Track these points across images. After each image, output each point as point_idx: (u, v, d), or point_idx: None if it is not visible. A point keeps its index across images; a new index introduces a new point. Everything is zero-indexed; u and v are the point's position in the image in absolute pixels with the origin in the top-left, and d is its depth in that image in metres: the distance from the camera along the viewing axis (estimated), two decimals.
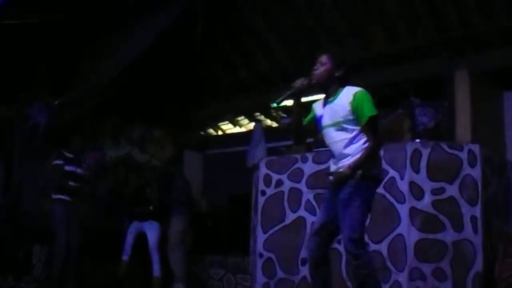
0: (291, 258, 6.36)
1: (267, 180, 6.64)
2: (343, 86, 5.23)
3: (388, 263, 5.73)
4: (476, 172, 5.83)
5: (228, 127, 13.86)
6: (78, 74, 10.96)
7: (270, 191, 6.60)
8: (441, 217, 5.71)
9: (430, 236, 5.68)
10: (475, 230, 5.72)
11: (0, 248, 9.26)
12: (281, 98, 5.43)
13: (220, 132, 14.11)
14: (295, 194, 6.45)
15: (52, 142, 10.03)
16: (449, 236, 5.70)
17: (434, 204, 5.73)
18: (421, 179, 5.77)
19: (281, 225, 6.49)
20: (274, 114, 12.82)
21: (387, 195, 5.83)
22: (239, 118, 13.56)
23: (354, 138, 5.08)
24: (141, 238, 10.27)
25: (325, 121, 5.21)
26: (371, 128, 5.10)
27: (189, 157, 13.43)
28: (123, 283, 10.40)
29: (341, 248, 5.96)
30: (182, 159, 13.01)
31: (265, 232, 6.56)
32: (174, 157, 12.34)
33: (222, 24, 11.45)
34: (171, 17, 10.32)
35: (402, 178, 5.78)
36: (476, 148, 5.93)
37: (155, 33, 10.44)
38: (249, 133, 12.46)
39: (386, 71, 10.28)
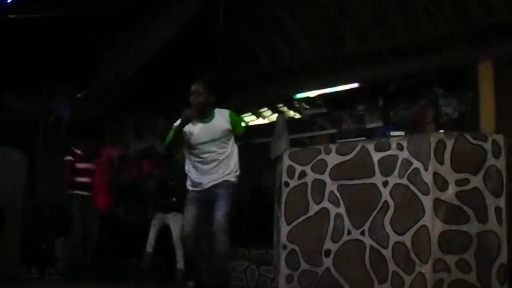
0: (314, 250, 6.35)
1: (291, 172, 6.62)
2: (213, 107, 6.58)
3: (412, 255, 5.71)
4: (500, 163, 5.78)
5: (251, 119, 13.87)
6: (100, 67, 11.02)
7: (293, 183, 6.58)
8: (465, 208, 5.67)
9: (454, 227, 5.65)
10: (499, 222, 5.69)
11: (23, 241, 9.34)
12: (172, 136, 6.56)
13: (243, 124, 14.10)
14: (319, 185, 6.43)
15: (76, 136, 10.10)
16: (473, 227, 5.66)
17: (458, 195, 5.69)
18: (445, 170, 5.73)
19: (304, 217, 6.47)
20: (297, 105, 12.83)
21: (411, 186, 5.80)
22: (262, 110, 13.56)
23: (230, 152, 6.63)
24: (165, 230, 10.33)
25: (202, 138, 6.48)
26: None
27: None
28: (147, 275, 10.47)
29: (365, 239, 5.97)
30: None
31: (288, 224, 6.55)
32: None
33: (244, 16, 11.46)
34: (193, 9, 10.33)
35: (426, 169, 5.74)
36: (500, 138, 5.88)
37: (177, 25, 10.46)
38: (272, 124, 12.45)
39: (409, 61, 10.25)
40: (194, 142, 6.52)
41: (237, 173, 6.77)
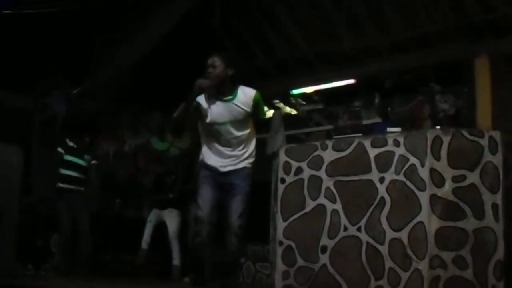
0: (311, 246, 6.35)
1: (287, 168, 6.62)
2: (236, 85, 6.04)
3: (409, 251, 5.71)
4: (497, 159, 5.78)
5: None
6: (96, 63, 10.99)
7: (289, 179, 6.58)
8: (461, 204, 5.67)
9: (451, 223, 5.64)
10: (496, 218, 5.69)
11: (19, 237, 9.33)
12: (181, 108, 5.93)
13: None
14: (315, 181, 6.42)
15: (71, 132, 10.05)
16: (470, 223, 5.66)
17: (454, 191, 5.69)
18: (442, 166, 5.73)
19: (301, 213, 6.47)
20: (294, 101, 12.81)
21: (408, 183, 5.80)
22: None
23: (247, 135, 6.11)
24: (161, 226, 10.32)
25: (219, 118, 5.92)
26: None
27: None
28: (142, 272, 10.46)
29: (361, 235, 5.97)
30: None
31: (285, 220, 6.55)
32: (196, 145, 12.35)
33: (240, 11, 11.44)
34: (189, 4, 10.31)
35: (422, 166, 5.74)
36: (497, 134, 5.88)
37: (173, 20, 10.44)
38: (268, 120, 12.43)
39: (405, 57, 10.24)
40: (211, 121, 5.96)
41: (253, 160, 6.29)
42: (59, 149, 9.64)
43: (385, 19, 10.18)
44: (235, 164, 6.07)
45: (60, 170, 9.57)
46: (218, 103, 5.94)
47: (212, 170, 6.07)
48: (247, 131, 6.11)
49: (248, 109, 5.98)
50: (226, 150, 6.05)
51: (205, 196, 6.01)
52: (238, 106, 5.94)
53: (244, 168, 6.12)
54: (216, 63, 5.92)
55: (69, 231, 9.48)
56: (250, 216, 6.14)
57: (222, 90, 5.96)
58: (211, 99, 5.95)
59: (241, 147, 6.11)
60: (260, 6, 11.29)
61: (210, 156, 6.10)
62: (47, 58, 10.33)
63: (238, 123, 5.99)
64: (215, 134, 6.02)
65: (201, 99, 5.94)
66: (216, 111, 5.93)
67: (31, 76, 10.65)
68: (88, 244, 9.58)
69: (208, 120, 5.94)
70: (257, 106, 6.06)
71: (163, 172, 10.98)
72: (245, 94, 5.99)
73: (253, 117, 6.14)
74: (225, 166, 6.07)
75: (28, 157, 10.54)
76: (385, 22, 10.21)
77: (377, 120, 10.60)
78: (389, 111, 10.57)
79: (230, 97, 5.95)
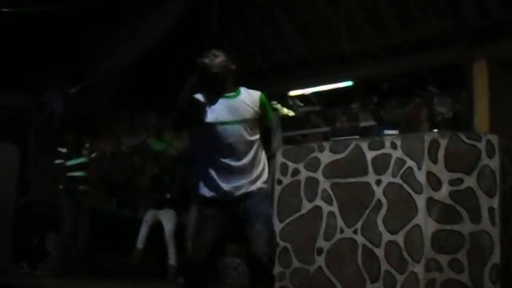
0: (307, 248, 6.37)
1: (284, 169, 6.64)
2: (238, 84, 4.90)
3: (405, 254, 5.72)
4: (494, 163, 5.80)
5: None
6: (93, 61, 10.99)
7: (286, 180, 6.61)
8: (458, 208, 5.69)
9: (447, 227, 5.67)
10: (492, 222, 5.71)
11: (14, 236, 9.32)
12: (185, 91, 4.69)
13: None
14: (312, 183, 6.44)
15: (68, 131, 10.03)
16: (466, 227, 5.69)
17: (451, 195, 5.71)
18: (439, 169, 5.75)
19: (297, 215, 6.49)
20: (291, 103, 12.81)
21: (405, 185, 5.82)
22: None
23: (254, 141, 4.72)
24: (157, 226, 10.31)
25: (223, 116, 4.65)
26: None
27: None
28: (137, 272, 10.45)
29: (357, 238, 5.98)
30: None
31: (281, 222, 6.57)
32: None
33: (238, 12, 11.44)
34: (186, 5, 10.32)
35: (419, 168, 5.77)
36: (494, 138, 5.90)
37: (170, 20, 10.45)
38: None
39: (403, 60, 10.23)
40: (213, 120, 4.63)
41: (267, 177, 4.84)
42: (58, 160, 9.61)
43: (384, 21, 10.17)
44: (246, 185, 4.61)
45: (63, 172, 9.60)
46: (221, 100, 4.72)
47: (215, 204, 4.65)
48: (255, 137, 4.75)
49: (256, 109, 4.75)
50: (231, 162, 4.60)
51: (202, 240, 4.64)
52: (245, 103, 4.74)
53: (259, 190, 4.67)
54: (217, 53, 4.81)
55: (71, 233, 9.50)
56: None
57: (225, 86, 4.79)
58: (210, 96, 4.74)
59: (249, 157, 4.67)
60: (257, 7, 11.28)
61: (209, 183, 4.67)
62: (45, 57, 10.32)
63: (246, 123, 4.68)
64: (215, 141, 4.63)
65: (199, 96, 4.76)
66: (219, 108, 4.68)
67: (28, 75, 10.63)
68: (85, 244, 9.60)
69: (208, 119, 4.64)
70: (264, 108, 4.83)
71: (160, 172, 10.97)
72: (250, 94, 4.85)
73: (259, 123, 4.82)
74: (233, 191, 4.60)
75: (25, 155, 10.54)
76: (383, 24, 10.21)
77: (374, 122, 10.61)
78: (382, 114, 10.57)
79: (233, 94, 4.78)
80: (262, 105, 4.81)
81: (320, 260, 6.24)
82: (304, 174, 6.50)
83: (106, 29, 10.65)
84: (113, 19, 10.48)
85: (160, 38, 10.63)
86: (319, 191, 6.37)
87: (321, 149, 6.44)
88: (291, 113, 12.84)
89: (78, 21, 10.14)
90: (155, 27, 10.62)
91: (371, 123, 10.69)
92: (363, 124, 10.86)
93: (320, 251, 6.25)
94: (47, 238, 10.57)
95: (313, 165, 6.45)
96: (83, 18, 10.10)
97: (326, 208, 6.28)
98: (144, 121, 13.06)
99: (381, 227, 5.88)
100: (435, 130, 6.83)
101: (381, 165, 5.99)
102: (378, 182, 5.97)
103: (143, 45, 10.81)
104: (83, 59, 10.80)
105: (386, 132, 6.65)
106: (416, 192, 5.74)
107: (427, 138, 5.83)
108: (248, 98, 4.79)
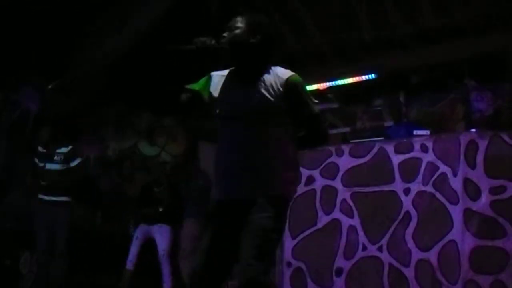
0: (324, 268, 6.36)
1: None
2: (266, 63, 4.52)
3: (438, 274, 5.70)
4: None
5: None
6: (76, 54, 11.00)
7: (300, 190, 6.59)
8: (501, 220, 5.67)
9: (489, 243, 5.64)
10: None
11: None
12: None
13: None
14: (329, 192, 6.43)
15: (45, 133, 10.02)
16: (510, 243, 5.66)
17: (492, 205, 5.69)
18: (478, 175, 5.73)
19: (312, 229, 6.49)
20: None
21: (437, 195, 5.81)
22: None
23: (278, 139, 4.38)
24: (149, 244, 10.30)
25: (236, 104, 4.41)
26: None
27: (204, 149, 13.44)
28: None
29: (383, 256, 5.94)
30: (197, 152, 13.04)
31: (293, 238, 6.56)
32: (191, 151, 12.32)
33: None
34: None
35: (455, 175, 5.75)
36: None
37: (165, 5, 10.46)
38: None
39: (435, 48, 10.21)
40: (224, 108, 4.46)
41: (296, 184, 4.64)
42: (35, 159, 9.60)
43: (412, 4, 10.15)
44: (261, 188, 4.30)
45: (35, 178, 9.55)
46: (236, 85, 4.49)
47: (225, 208, 4.48)
48: (279, 132, 4.39)
49: (279, 94, 4.37)
50: (243, 162, 4.33)
51: (209, 244, 4.57)
52: (266, 89, 4.38)
53: (275, 197, 4.31)
54: (238, 24, 4.51)
55: (46, 251, 9.45)
56: None
57: (243, 67, 4.54)
58: (224, 81, 4.56)
59: (270, 158, 4.35)
60: None
61: (221, 180, 4.48)
62: (19, 47, 10.33)
63: (264, 115, 4.34)
64: (229, 132, 4.44)
65: (215, 76, 4.60)
66: (233, 94, 4.47)
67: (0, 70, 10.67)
68: (63, 265, 9.55)
69: (220, 106, 4.49)
70: (293, 93, 4.45)
71: (152, 181, 10.96)
72: (275, 75, 4.46)
73: (289, 111, 4.42)
74: (240, 190, 4.36)
75: None
76: (412, 8, 10.19)
77: (402, 121, 10.59)
78: (403, 111, 10.55)
79: (258, 77, 4.42)
80: (289, 89, 4.45)
81: (340, 282, 6.23)
82: (320, 182, 6.50)
83: (91, 16, 10.65)
84: (100, 6, 10.49)
85: (154, 27, 10.63)
86: (338, 202, 6.36)
87: (340, 153, 6.43)
88: None
89: (58, 10, 10.14)
90: (149, 12, 10.63)
91: (397, 122, 10.67)
92: (387, 123, 10.84)
93: (339, 272, 6.23)
94: (21, 259, 10.57)
95: (331, 172, 6.43)
96: (64, 6, 10.11)
97: (346, 221, 6.27)
98: (135, 121, 13.07)
99: (410, 244, 5.86)
100: (473, 130, 6.80)
101: (409, 171, 5.98)
102: (407, 191, 5.96)
103: (135, 35, 10.81)
104: (63, 50, 10.79)
105: (416, 132, 6.63)
106: (451, 203, 5.71)
107: (464, 139, 5.80)
108: (271, 80, 4.43)
